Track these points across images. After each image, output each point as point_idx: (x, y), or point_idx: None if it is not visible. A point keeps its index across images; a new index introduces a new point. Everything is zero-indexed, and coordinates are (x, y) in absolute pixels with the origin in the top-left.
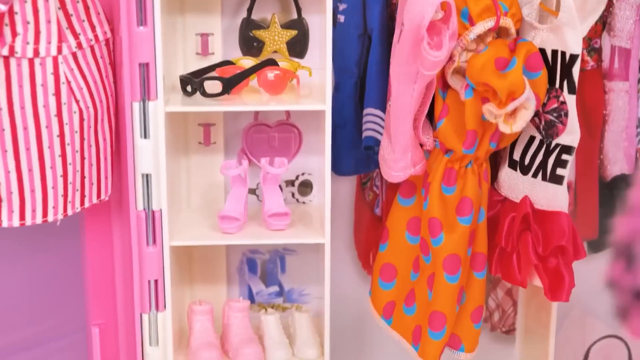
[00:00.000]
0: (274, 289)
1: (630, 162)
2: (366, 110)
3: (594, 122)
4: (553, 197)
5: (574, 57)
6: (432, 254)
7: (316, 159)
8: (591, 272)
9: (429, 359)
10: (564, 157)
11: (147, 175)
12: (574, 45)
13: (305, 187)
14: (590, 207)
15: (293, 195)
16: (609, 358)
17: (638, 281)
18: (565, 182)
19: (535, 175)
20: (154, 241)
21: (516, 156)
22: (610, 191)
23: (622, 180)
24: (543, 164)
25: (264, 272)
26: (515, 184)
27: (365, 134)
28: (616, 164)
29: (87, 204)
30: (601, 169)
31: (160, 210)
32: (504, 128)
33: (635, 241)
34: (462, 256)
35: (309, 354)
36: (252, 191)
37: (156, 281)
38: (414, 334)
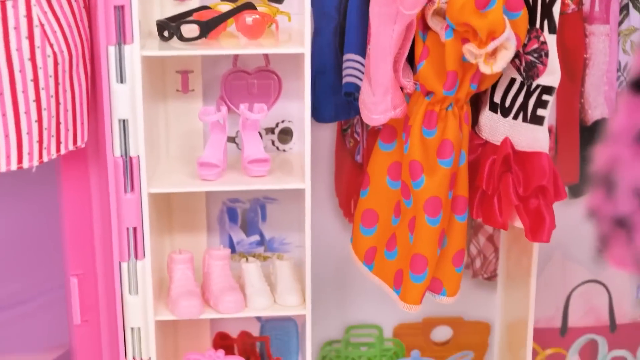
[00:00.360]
0: (255, 238)
1: (610, 106)
2: (346, 56)
3: (574, 66)
4: (534, 138)
5: None
6: (413, 197)
7: (296, 105)
8: (572, 216)
9: (411, 302)
10: (545, 97)
11: (124, 120)
12: None
13: (285, 134)
14: (571, 152)
15: (273, 143)
16: (590, 302)
17: (618, 209)
18: (546, 122)
19: (515, 117)
20: (132, 188)
21: (497, 99)
22: (591, 135)
23: (603, 124)
24: (524, 106)
25: (244, 222)
26: (495, 127)
27: (345, 80)
28: (597, 108)
29: (62, 151)
30: (582, 113)
31: (138, 156)
32: (485, 68)
33: (615, 169)
34: (443, 199)
35: (290, 301)
36: (231, 139)
37: (135, 229)
38: (395, 278)
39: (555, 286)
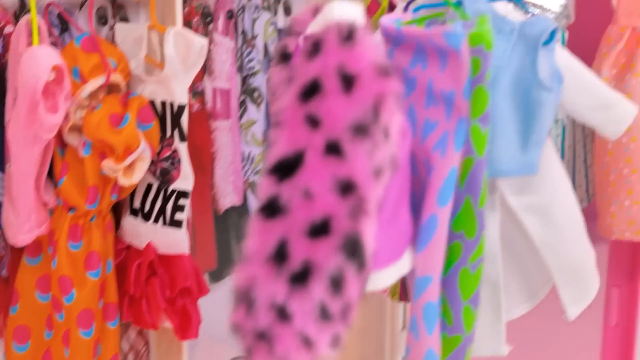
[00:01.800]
0: None
1: (239, 194)
2: None
3: (204, 160)
4: (174, 241)
5: (181, 108)
6: (65, 311)
7: None
8: (214, 301)
9: None
10: (181, 201)
11: None
12: (180, 95)
13: None
14: (208, 240)
15: None
16: None
17: (258, 323)
18: (184, 225)
19: (156, 221)
20: None
21: (136, 204)
22: (225, 222)
23: (234, 211)
24: (162, 210)
25: None
26: (138, 232)
27: None
28: (227, 197)
29: None
30: (214, 203)
31: None
32: (124, 181)
33: (253, 286)
34: (94, 309)
35: None
36: None
37: None
38: None
39: None
